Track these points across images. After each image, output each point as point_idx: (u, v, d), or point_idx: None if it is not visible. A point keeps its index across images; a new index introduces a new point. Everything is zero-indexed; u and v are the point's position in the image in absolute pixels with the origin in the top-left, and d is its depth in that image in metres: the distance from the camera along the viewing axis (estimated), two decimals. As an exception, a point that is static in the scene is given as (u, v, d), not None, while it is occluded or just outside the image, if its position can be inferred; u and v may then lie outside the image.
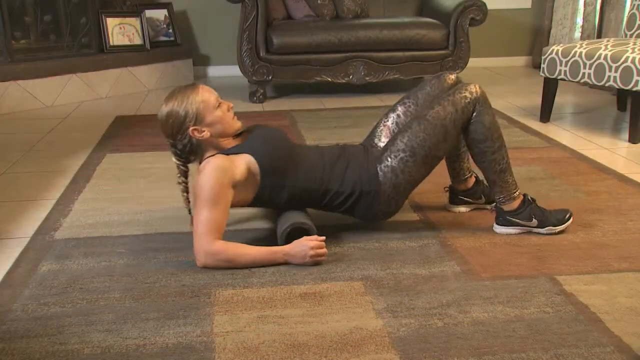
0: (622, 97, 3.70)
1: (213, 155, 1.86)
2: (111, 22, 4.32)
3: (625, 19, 3.69)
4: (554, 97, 3.46)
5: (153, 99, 4.19)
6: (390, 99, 4.11)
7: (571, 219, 2.03)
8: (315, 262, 1.82)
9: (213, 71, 5.05)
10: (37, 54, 4.00)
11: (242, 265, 1.81)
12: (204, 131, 1.85)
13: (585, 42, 3.30)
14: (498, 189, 1.99)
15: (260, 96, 4.06)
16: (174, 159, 1.92)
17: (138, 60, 4.37)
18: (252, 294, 1.68)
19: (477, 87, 1.95)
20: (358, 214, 2.00)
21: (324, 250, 1.82)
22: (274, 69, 3.95)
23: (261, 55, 3.92)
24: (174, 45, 4.65)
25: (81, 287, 1.72)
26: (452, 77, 2.13)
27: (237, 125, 1.92)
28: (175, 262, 1.87)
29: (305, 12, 4.19)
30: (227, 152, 1.87)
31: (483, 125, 1.92)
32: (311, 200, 1.96)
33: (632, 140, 3.07)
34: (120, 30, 4.36)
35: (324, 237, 1.84)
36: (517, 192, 2.00)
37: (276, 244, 1.87)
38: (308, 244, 1.80)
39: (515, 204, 1.99)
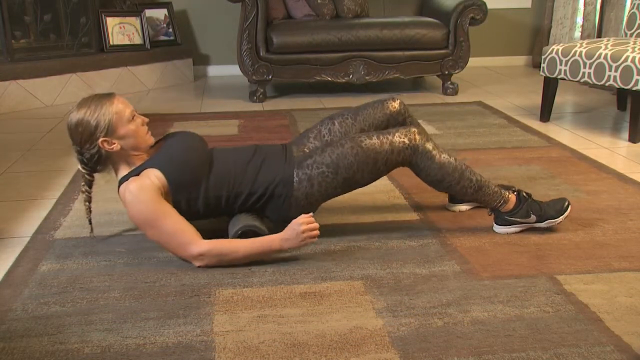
0: (622, 96, 3.70)
1: (125, 177, 1.83)
2: (111, 22, 4.32)
3: (625, 18, 3.69)
4: (554, 96, 3.46)
5: (153, 98, 4.19)
6: (390, 99, 4.10)
7: (569, 208, 2.01)
8: (310, 239, 1.80)
9: (213, 70, 5.05)
10: (37, 53, 4.00)
11: (239, 257, 1.79)
12: (114, 143, 1.81)
13: (585, 41, 3.30)
14: (485, 203, 2.00)
15: (260, 95, 4.06)
16: (79, 167, 1.88)
17: (138, 60, 4.37)
18: (252, 293, 1.68)
19: (416, 134, 1.91)
20: (268, 213, 1.97)
21: (315, 224, 1.80)
22: (274, 69, 3.95)
23: (261, 54, 3.92)
24: (174, 44, 4.65)
25: (81, 287, 1.72)
26: (395, 104, 2.11)
27: (150, 140, 1.88)
28: (175, 261, 1.87)
29: (305, 12, 4.19)
30: (138, 170, 1.84)
31: (432, 169, 1.91)
32: (225, 206, 1.92)
33: (632, 139, 3.07)
34: (120, 30, 4.36)
35: (311, 213, 1.83)
36: (507, 195, 1.99)
37: None
38: (297, 221, 1.79)
39: (510, 204, 1.99)
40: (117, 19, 4.34)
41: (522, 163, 2.74)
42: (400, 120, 2.11)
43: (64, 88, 4.04)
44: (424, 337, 1.48)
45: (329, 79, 4.01)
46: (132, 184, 1.78)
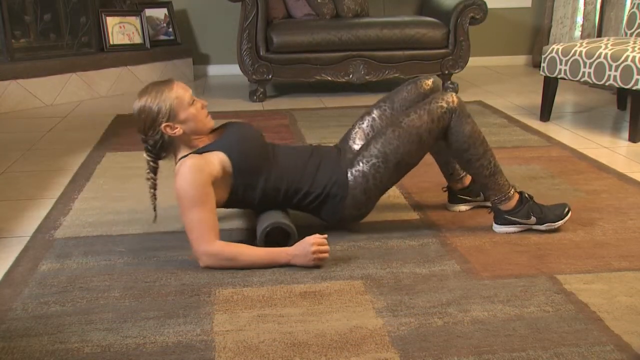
0: (622, 96, 3.70)
1: (186, 155, 1.85)
2: (111, 21, 4.32)
3: (625, 18, 3.69)
4: (554, 96, 3.46)
5: (153, 98, 4.19)
6: (390, 98, 4.10)
7: (570, 214, 2.02)
8: (318, 260, 1.80)
9: (213, 70, 5.05)
10: (37, 53, 4.00)
11: (245, 265, 1.80)
12: (176, 128, 1.83)
13: (586, 41, 3.30)
14: (491, 191, 1.99)
15: (260, 95, 4.05)
16: (144, 155, 1.91)
17: (138, 59, 4.37)
18: (252, 292, 1.68)
19: (454, 97, 1.93)
20: (323, 215, 1.99)
21: (326, 247, 1.81)
22: (274, 68, 3.95)
23: (261, 54, 3.92)
24: (174, 44, 4.65)
25: (81, 286, 1.72)
26: (429, 82, 2.11)
27: (211, 123, 1.91)
28: (175, 261, 1.87)
29: (305, 11, 4.19)
30: (200, 150, 1.86)
31: (463, 134, 1.91)
32: (283, 199, 1.94)
33: (632, 139, 3.07)
34: (120, 29, 4.35)
35: (325, 235, 1.83)
36: (511, 192, 1.99)
37: (254, 245, 1.86)
38: (309, 241, 1.79)
39: (512, 203, 1.99)
40: (117, 19, 4.34)
41: (522, 162, 2.74)
42: None
43: (64, 88, 4.03)
44: (424, 336, 1.48)
45: (329, 78, 4.01)
46: (191, 161, 1.80)
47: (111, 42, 4.30)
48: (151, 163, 1.91)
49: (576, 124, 3.43)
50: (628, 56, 2.95)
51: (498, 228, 2.04)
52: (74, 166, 2.77)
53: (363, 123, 2.12)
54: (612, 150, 2.96)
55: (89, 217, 2.20)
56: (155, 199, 1.95)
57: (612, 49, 3.06)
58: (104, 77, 4.21)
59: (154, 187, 1.93)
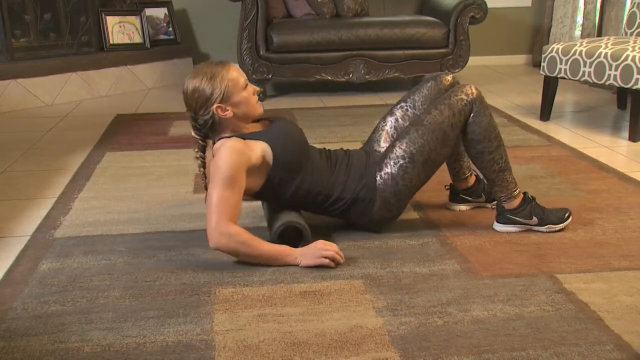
0: (622, 95, 3.70)
1: (229, 137, 1.85)
2: (111, 21, 4.32)
3: (625, 17, 3.68)
4: (554, 95, 3.46)
5: (153, 97, 4.19)
6: (390, 98, 4.11)
7: (570, 218, 2.03)
8: (327, 258, 1.78)
9: (213, 70, 5.04)
10: (37, 52, 4.00)
11: (254, 254, 1.78)
12: (227, 110, 1.83)
13: (586, 40, 3.30)
14: (498, 187, 1.99)
15: (261, 95, 4.01)
16: (193, 133, 1.91)
17: (138, 59, 4.36)
18: (252, 292, 1.68)
19: (474, 89, 1.94)
20: (352, 217, 1.99)
21: (333, 254, 1.79)
22: (274, 68, 3.95)
23: (261, 53, 3.92)
24: (174, 43, 4.65)
25: (81, 286, 1.72)
26: (449, 78, 2.12)
27: (260, 110, 1.92)
28: (175, 260, 1.87)
29: (305, 11, 4.19)
30: (245, 136, 1.86)
31: (480, 126, 1.92)
32: (313, 202, 1.95)
33: (632, 138, 3.07)
34: (120, 29, 4.35)
35: (336, 246, 1.83)
36: (517, 191, 2.00)
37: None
38: (319, 244, 1.80)
39: (516, 202, 1.99)
40: (117, 18, 4.34)
41: (522, 162, 2.74)
42: None
43: (64, 87, 4.03)
44: (424, 336, 1.48)
45: (329, 78, 4.01)
46: (232, 142, 1.80)
47: (111, 42, 4.30)
48: (200, 142, 1.91)
49: (576, 124, 3.43)
50: (628, 55, 2.95)
51: (499, 227, 2.04)
52: (74, 166, 2.77)
53: (386, 125, 2.13)
54: (612, 149, 2.96)
55: (89, 216, 2.20)
56: (206, 177, 1.93)
57: (612, 48, 3.05)
58: (104, 76, 4.20)
59: (203, 165, 1.93)
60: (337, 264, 1.81)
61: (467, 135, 1.95)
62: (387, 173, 1.93)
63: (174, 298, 1.66)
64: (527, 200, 2.00)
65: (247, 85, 1.88)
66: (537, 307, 1.59)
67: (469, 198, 2.22)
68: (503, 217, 2.03)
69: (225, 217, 1.75)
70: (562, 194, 2.37)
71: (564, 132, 3.27)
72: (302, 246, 1.85)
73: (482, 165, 1.97)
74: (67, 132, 3.34)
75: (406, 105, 2.12)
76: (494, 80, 4.69)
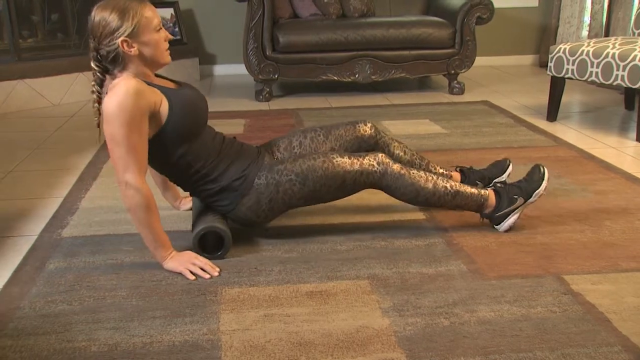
0: (630, 95, 3.69)
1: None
2: (118, 21, 4.32)
3: (633, 17, 3.67)
4: (561, 95, 3.45)
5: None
6: (396, 98, 4.11)
7: (546, 172, 2.01)
8: (188, 270, 1.76)
9: (219, 70, 5.06)
10: (45, 52, 4.02)
11: (144, 224, 1.72)
12: (133, 47, 1.73)
13: (593, 40, 3.28)
14: (468, 207, 2.00)
15: (267, 95, 4.06)
16: (92, 63, 1.78)
17: (144, 59, 4.37)
18: (258, 292, 1.68)
19: (384, 159, 1.93)
20: (217, 204, 1.93)
21: (199, 265, 1.77)
22: (280, 68, 3.96)
23: (267, 53, 3.92)
24: (180, 43, 4.66)
25: (88, 285, 1.73)
26: (367, 128, 2.12)
27: (168, 59, 1.83)
28: (181, 260, 1.87)
29: (311, 11, 4.19)
30: (148, 84, 1.77)
31: (405, 187, 1.93)
32: (188, 177, 1.88)
33: (640, 139, 3.06)
34: (127, 29, 4.36)
35: (218, 270, 1.80)
36: (482, 192, 1.99)
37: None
38: (194, 255, 1.80)
39: (492, 201, 2.00)
40: (123, 18, 4.35)
41: (529, 162, 2.73)
42: (371, 143, 2.13)
43: (71, 87, 4.05)
44: (430, 336, 1.47)
45: (335, 78, 4.01)
46: (132, 81, 1.71)
47: (118, 42, 4.31)
48: (98, 74, 1.78)
49: (583, 124, 3.41)
50: (636, 56, 2.94)
51: (499, 227, 2.04)
52: (81, 165, 2.78)
53: (294, 137, 2.11)
54: (619, 150, 2.95)
55: (96, 216, 2.21)
56: (100, 114, 1.81)
57: (619, 48, 3.04)
58: (110, 76, 4.21)
59: (98, 101, 1.82)
60: (211, 275, 1.77)
61: (403, 197, 1.96)
62: (274, 178, 1.89)
63: (181, 298, 1.66)
64: (500, 190, 2.00)
65: (160, 28, 1.78)
66: (544, 308, 1.59)
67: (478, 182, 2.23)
68: (494, 219, 2.03)
69: (137, 167, 1.69)
70: (569, 195, 2.36)
71: (571, 132, 3.26)
72: (221, 252, 1.87)
73: (438, 205, 1.98)
74: (74, 132, 3.35)
75: (320, 132, 2.11)
76: (501, 80, 4.68)
